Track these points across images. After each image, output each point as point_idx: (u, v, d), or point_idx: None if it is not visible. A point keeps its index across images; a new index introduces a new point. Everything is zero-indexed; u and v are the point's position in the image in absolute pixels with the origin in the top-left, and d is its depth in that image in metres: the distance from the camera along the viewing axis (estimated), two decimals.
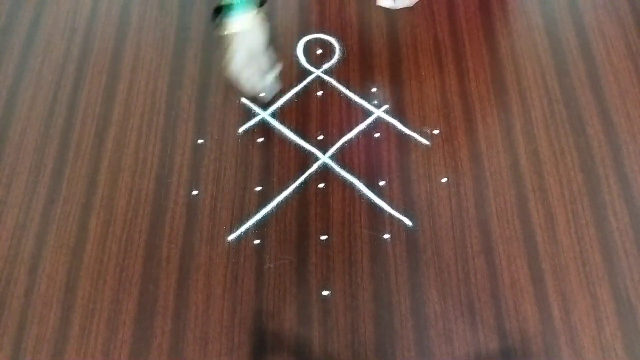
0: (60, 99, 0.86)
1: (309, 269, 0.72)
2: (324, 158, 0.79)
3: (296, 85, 0.85)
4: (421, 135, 0.80)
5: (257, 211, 0.76)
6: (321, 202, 0.76)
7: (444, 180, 0.77)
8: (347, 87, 0.84)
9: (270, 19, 0.91)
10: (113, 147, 0.82)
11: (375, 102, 0.83)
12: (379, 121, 0.82)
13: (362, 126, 0.82)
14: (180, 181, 0.79)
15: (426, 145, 0.79)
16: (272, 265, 0.72)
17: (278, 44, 0.88)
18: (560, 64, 0.85)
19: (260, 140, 0.81)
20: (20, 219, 0.77)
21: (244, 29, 0.76)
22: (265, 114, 0.83)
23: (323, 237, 0.73)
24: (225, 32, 0.76)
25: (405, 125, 0.81)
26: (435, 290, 0.70)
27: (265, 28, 0.78)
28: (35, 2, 0.97)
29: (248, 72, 0.78)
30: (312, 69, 0.86)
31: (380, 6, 0.84)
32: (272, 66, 0.81)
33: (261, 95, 0.82)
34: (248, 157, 0.80)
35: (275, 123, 0.82)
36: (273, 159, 0.80)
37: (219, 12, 0.76)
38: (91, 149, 0.82)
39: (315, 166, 0.79)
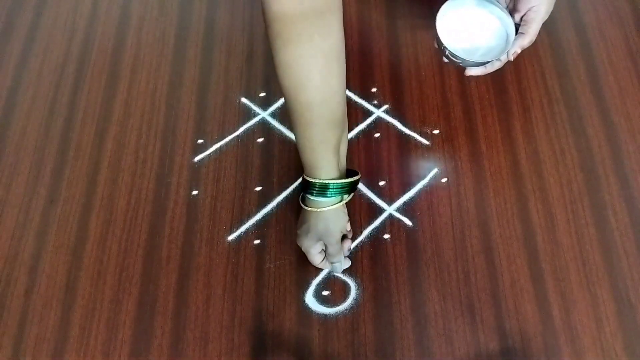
0: (60, 99, 0.86)
1: (309, 269, 0.72)
2: None
3: None
4: (421, 135, 0.80)
5: (257, 211, 0.76)
6: None
7: (444, 180, 0.77)
8: (347, 87, 0.84)
9: None
10: (113, 147, 0.82)
11: (375, 102, 0.83)
12: (379, 121, 0.82)
13: (362, 126, 0.81)
14: (180, 181, 0.79)
15: (426, 145, 0.80)
16: (272, 265, 0.72)
17: None
18: (560, 64, 0.85)
19: (260, 140, 0.81)
20: (20, 219, 0.77)
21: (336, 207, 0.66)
22: (265, 114, 0.83)
23: None
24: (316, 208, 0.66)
25: (405, 125, 0.81)
26: (435, 290, 0.70)
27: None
28: (35, 2, 0.97)
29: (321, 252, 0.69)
30: None
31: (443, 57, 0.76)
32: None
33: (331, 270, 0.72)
34: (248, 157, 0.80)
35: (275, 123, 0.82)
36: (273, 159, 0.80)
37: (310, 188, 0.65)
38: (91, 149, 0.82)
39: None
